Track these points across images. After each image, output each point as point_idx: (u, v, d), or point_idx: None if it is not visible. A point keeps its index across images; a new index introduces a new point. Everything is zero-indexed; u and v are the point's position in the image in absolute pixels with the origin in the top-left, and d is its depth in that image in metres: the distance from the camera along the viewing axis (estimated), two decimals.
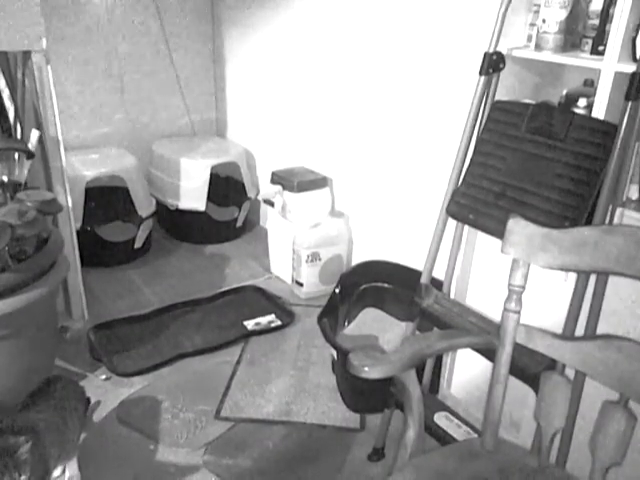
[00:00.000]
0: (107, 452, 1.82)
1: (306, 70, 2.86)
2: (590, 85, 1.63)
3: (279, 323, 2.49)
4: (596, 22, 1.56)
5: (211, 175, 3.08)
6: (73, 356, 2.22)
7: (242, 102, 3.41)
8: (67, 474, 1.63)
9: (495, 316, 1.41)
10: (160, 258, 3.06)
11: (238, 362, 2.24)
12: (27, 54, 2.02)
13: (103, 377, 2.13)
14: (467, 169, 1.62)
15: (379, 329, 2.30)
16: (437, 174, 1.91)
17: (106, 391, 2.07)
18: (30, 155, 2.01)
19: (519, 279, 1.12)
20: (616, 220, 1.40)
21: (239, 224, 3.29)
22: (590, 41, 1.58)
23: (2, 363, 1.84)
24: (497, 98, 1.63)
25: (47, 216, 1.94)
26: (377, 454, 1.83)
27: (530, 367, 1.35)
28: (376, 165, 2.58)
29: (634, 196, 1.49)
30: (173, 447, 1.83)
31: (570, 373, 1.20)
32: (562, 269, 1.11)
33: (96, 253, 2.82)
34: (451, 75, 2.13)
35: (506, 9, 1.54)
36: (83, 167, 2.83)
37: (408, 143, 2.40)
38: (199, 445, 1.84)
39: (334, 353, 2.02)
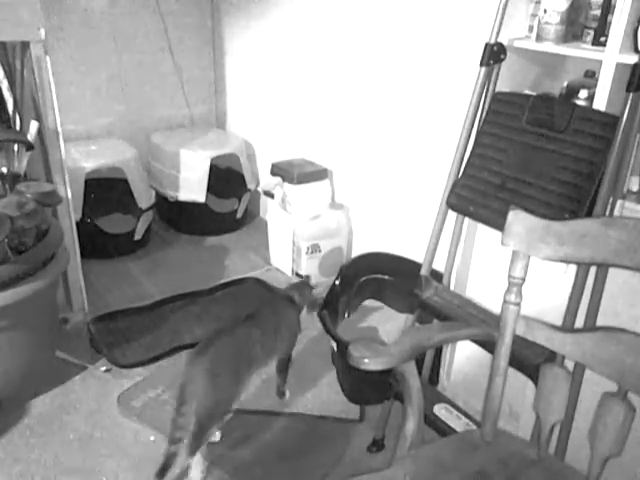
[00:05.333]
0: (108, 443, 1.82)
1: (306, 62, 2.85)
2: (591, 76, 1.62)
3: None
4: (598, 13, 1.55)
5: (211, 167, 3.07)
6: (73, 348, 2.22)
7: (242, 93, 3.40)
8: None
9: (495, 308, 1.41)
10: (160, 250, 3.06)
11: None
12: (26, 45, 2.01)
13: (103, 369, 2.13)
14: (467, 161, 1.61)
15: (379, 321, 2.30)
16: (437, 166, 1.91)
17: (106, 382, 2.07)
18: (29, 147, 2.01)
19: (519, 271, 1.12)
20: (616, 212, 1.40)
21: (239, 216, 3.29)
22: (592, 32, 1.57)
23: (2, 355, 1.84)
24: (498, 89, 1.63)
25: (47, 208, 1.94)
26: (377, 445, 1.84)
27: (530, 359, 1.35)
28: (376, 157, 2.57)
29: (635, 188, 1.49)
30: None
31: (569, 365, 1.20)
32: (562, 261, 1.11)
33: (96, 245, 2.82)
34: (452, 66, 2.12)
35: None
36: (82, 159, 2.82)
37: (408, 135, 2.39)
38: None
39: (334, 345, 2.03)
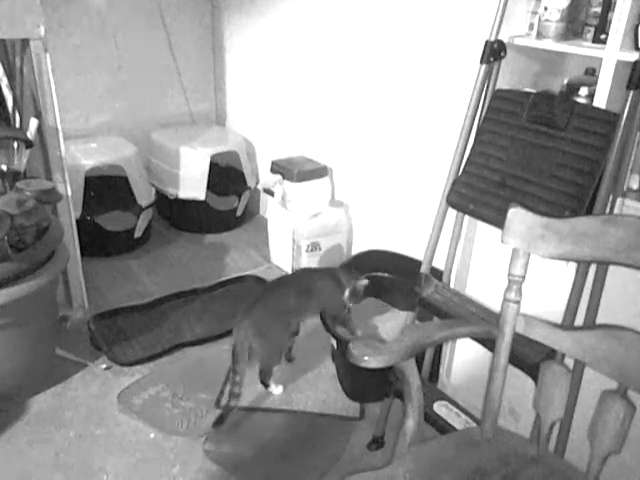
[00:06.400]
0: (108, 441, 1.83)
1: (306, 59, 2.84)
2: (591, 74, 1.62)
3: None
4: (598, 10, 1.55)
5: (211, 164, 3.07)
6: (74, 345, 2.22)
7: (242, 91, 3.40)
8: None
9: (495, 306, 1.41)
10: (160, 247, 3.06)
11: None
12: (25, 42, 2.01)
13: (104, 366, 2.14)
14: (467, 158, 1.61)
15: (379, 319, 2.30)
16: (437, 163, 1.91)
17: (107, 380, 2.07)
18: (29, 144, 2.00)
19: (519, 269, 1.12)
20: (617, 210, 1.40)
21: (239, 213, 3.28)
22: (592, 29, 1.57)
23: (2, 352, 1.84)
24: (498, 87, 1.63)
25: (46, 205, 1.94)
26: (376, 443, 1.84)
27: (529, 357, 1.35)
28: (376, 154, 2.57)
29: (635, 186, 1.49)
30: (173, 435, 1.84)
31: (569, 363, 1.20)
32: (562, 259, 1.11)
33: (96, 243, 2.82)
34: (452, 64, 2.12)
35: None
36: (82, 156, 2.82)
37: (408, 132, 2.39)
38: (199, 434, 1.85)
39: (334, 342, 2.03)
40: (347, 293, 1.98)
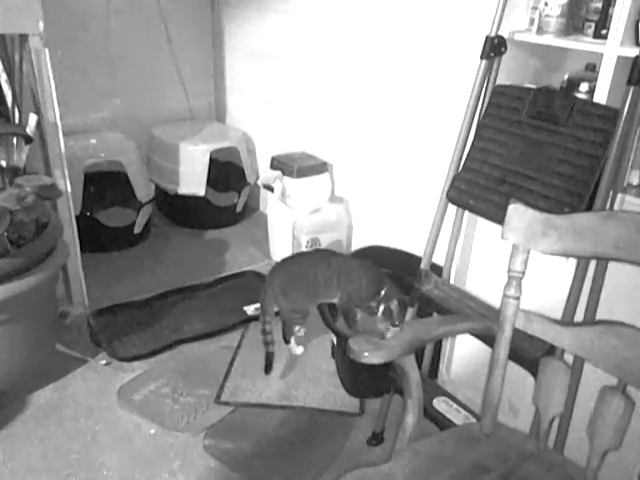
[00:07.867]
0: (108, 436, 1.83)
1: (306, 54, 2.84)
2: (592, 69, 1.62)
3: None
4: (599, 5, 1.55)
5: (210, 160, 3.07)
6: (73, 341, 2.22)
7: (241, 86, 3.39)
8: None
9: (495, 301, 1.41)
10: (159, 243, 3.06)
11: (238, 347, 2.24)
12: (24, 37, 2.00)
13: (103, 362, 2.14)
14: (467, 154, 1.61)
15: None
16: (437, 159, 1.91)
17: (107, 376, 2.08)
18: (28, 140, 2.00)
19: (519, 265, 1.12)
20: (617, 206, 1.40)
21: (239, 209, 3.28)
22: (593, 25, 1.56)
23: (2, 348, 1.85)
24: (498, 82, 1.62)
25: (46, 201, 1.93)
26: (376, 438, 1.85)
27: (529, 352, 1.35)
28: (376, 150, 2.57)
29: (635, 182, 1.49)
30: (173, 431, 1.85)
31: (569, 358, 1.20)
32: (562, 255, 1.11)
33: (96, 238, 2.82)
34: (452, 59, 2.11)
35: None
36: (82, 152, 2.82)
37: (409, 128, 2.38)
38: (199, 429, 1.85)
39: (334, 338, 2.03)
40: (382, 309, 1.89)
